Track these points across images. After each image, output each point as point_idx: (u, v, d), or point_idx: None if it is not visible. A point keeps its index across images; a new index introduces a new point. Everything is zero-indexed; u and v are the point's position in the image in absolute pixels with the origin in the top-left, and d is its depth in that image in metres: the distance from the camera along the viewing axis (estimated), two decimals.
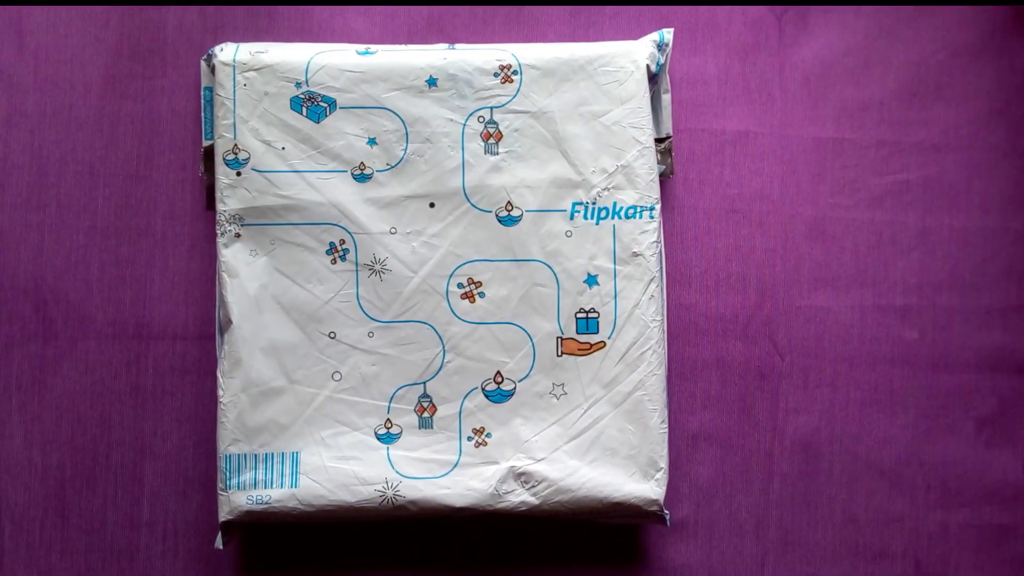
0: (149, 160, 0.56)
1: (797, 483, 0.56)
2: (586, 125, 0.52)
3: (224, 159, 0.52)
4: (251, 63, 0.52)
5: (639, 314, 0.52)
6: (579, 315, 0.52)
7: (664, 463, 0.52)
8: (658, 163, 0.54)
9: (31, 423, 0.55)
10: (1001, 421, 0.57)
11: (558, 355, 0.52)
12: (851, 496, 0.56)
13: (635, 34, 0.56)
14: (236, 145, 0.52)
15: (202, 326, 0.55)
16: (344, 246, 0.52)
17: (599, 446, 0.52)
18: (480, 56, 0.52)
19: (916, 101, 0.57)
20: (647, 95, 0.53)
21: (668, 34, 0.54)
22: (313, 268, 0.52)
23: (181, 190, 0.56)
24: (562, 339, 0.52)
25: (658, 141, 0.54)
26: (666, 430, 0.52)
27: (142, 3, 0.56)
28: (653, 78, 0.54)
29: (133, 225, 0.56)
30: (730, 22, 0.57)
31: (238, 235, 0.52)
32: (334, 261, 0.52)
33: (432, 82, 0.52)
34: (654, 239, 0.52)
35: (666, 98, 0.55)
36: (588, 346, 0.52)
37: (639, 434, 0.52)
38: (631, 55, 0.53)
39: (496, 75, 0.52)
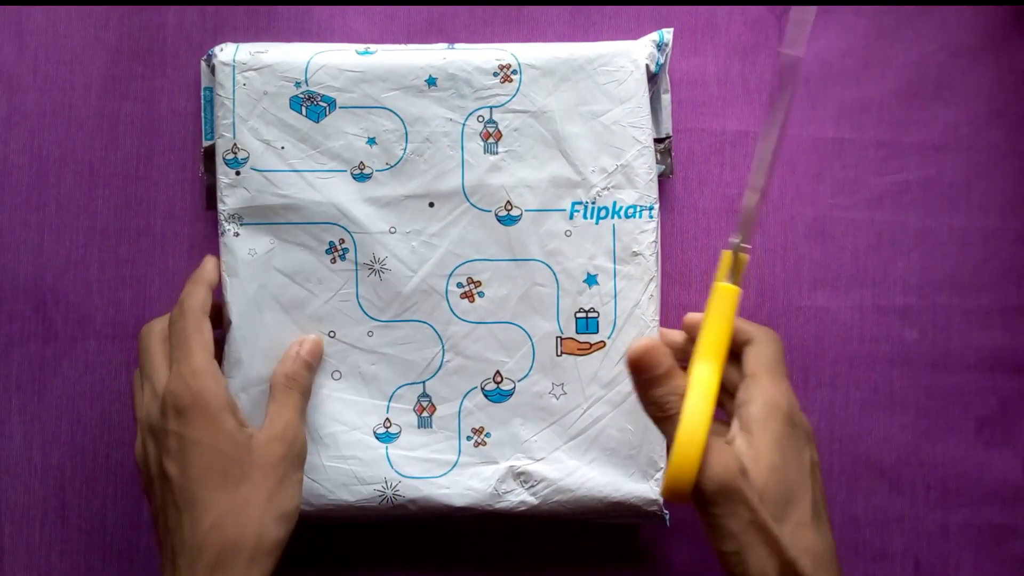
0: (149, 160, 0.56)
1: None
2: (585, 125, 0.52)
3: (224, 159, 0.52)
4: (251, 63, 0.52)
5: (639, 314, 0.52)
6: (579, 315, 0.52)
7: (664, 463, 0.52)
8: (658, 163, 0.53)
9: (31, 423, 0.55)
10: (1001, 421, 0.57)
11: (558, 355, 0.52)
12: (851, 496, 0.56)
13: (635, 34, 0.56)
14: (236, 145, 0.52)
15: None
16: (344, 245, 0.52)
17: (599, 446, 0.52)
18: (480, 56, 0.52)
19: (916, 101, 0.57)
20: (647, 95, 0.53)
21: (668, 34, 0.54)
22: (312, 267, 0.52)
23: (181, 190, 0.56)
24: (561, 339, 0.52)
25: (658, 141, 0.54)
26: None
27: (142, 3, 0.56)
28: (653, 78, 0.54)
29: (133, 225, 0.56)
30: (730, 22, 0.57)
31: (237, 234, 0.52)
32: (333, 260, 0.52)
33: (432, 82, 0.52)
34: (653, 239, 0.52)
35: (666, 98, 0.55)
36: (588, 346, 0.52)
37: (639, 434, 0.52)
38: (631, 55, 0.53)
39: (496, 75, 0.52)
